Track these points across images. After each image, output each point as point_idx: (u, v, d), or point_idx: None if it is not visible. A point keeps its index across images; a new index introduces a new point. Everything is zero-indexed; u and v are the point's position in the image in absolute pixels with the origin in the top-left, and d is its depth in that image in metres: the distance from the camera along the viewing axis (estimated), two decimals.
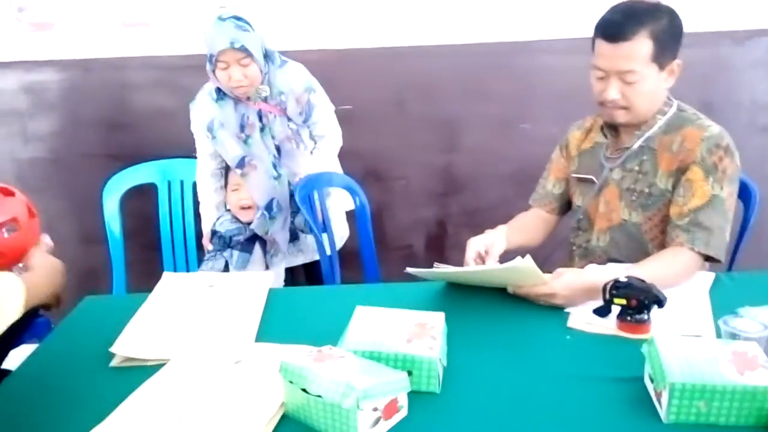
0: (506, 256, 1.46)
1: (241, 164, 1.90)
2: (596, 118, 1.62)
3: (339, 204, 2.06)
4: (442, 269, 1.39)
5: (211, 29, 1.78)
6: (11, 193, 1.13)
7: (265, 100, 1.90)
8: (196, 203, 2.08)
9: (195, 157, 2.03)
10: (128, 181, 2.10)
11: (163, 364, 1.12)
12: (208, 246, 1.96)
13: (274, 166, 1.90)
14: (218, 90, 1.90)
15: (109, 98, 2.41)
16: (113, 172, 2.11)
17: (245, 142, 1.92)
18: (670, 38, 1.40)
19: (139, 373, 1.11)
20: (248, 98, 1.89)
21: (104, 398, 1.04)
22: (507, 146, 2.39)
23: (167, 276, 1.49)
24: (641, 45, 1.38)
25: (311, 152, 1.99)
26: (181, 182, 2.14)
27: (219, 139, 1.91)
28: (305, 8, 2.28)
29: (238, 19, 1.78)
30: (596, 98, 1.48)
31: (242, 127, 1.91)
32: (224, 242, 1.92)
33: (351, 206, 2.03)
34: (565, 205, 1.69)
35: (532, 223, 1.67)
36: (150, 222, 2.15)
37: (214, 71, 1.82)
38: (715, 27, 2.25)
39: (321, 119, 1.98)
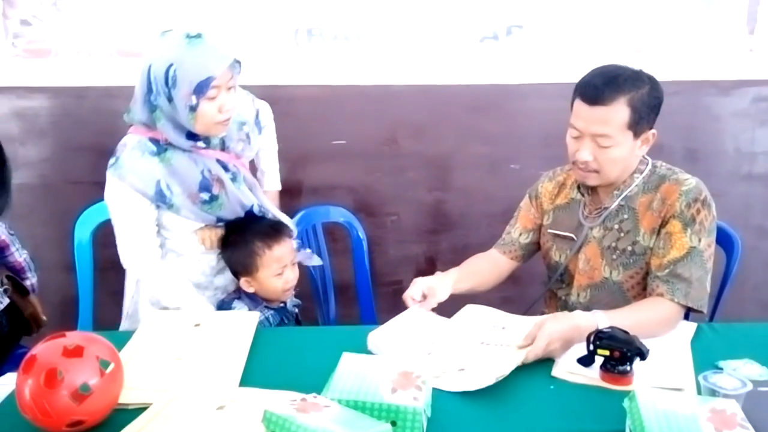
0: (458, 300, 1.49)
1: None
2: (569, 173, 1.62)
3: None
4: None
5: (193, 50, 1.41)
6: (78, 353, 1.05)
7: (222, 144, 1.57)
8: None
9: None
10: (103, 214, 1.93)
11: (144, 409, 1.11)
12: None
13: None
14: (154, 141, 1.50)
15: (101, 126, 2.40)
16: (100, 200, 2.09)
17: (208, 203, 1.54)
18: (647, 108, 1.41)
19: (118, 418, 1.09)
20: (206, 145, 1.53)
21: None
22: (496, 186, 2.42)
23: (151, 314, 1.48)
24: (618, 111, 1.39)
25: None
26: None
27: (178, 206, 1.51)
28: (302, 44, 2.32)
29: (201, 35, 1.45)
30: (570, 157, 1.49)
31: (205, 187, 1.53)
32: None
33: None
34: (529, 255, 1.69)
35: (486, 268, 1.66)
36: None
37: (195, 107, 1.44)
38: (699, 76, 2.31)
39: (271, 141, 1.78)
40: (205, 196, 1.53)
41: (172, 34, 1.45)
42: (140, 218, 1.52)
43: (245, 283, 1.60)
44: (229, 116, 1.49)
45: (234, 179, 1.58)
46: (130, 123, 1.57)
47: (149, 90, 1.46)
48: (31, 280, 1.90)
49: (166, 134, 1.49)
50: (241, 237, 1.58)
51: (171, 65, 1.41)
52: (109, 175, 1.50)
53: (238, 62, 1.48)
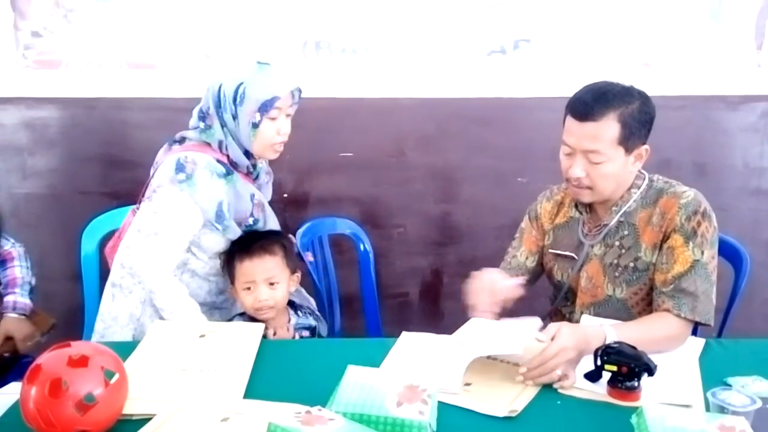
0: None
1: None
2: (566, 191, 1.61)
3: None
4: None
5: (262, 73, 1.55)
6: (83, 363, 1.05)
7: (257, 176, 1.67)
8: None
9: None
10: (109, 224, 1.96)
11: (148, 420, 1.10)
12: None
13: None
14: (221, 162, 1.57)
15: (110, 137, 2.43)
16: (107, 210, 2.10)
17: (249, 227, 1.62)
18: (638, 123, 1.41)
19: (123, 428, 1.09)
20: (250, 171, 1.63)
21: None
22: (503, 198, 2.41)
23: (157, 324, 1.48)
24: (608, 127, 1.39)
25: None
26: None
27: (230, 228, 1.58)
28: (309, 57, 2.33)
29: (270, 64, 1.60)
30: (563, 174, 1.49)
31: (251, 214, 1.61)
32: None
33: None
34: (536, 277, 1.67)
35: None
36: None
37: (258, 124, 1.53)
38: (708, 91, 2.31)
39: None
40: (251, 220, 1.61)
41: (244, 60, 1.61)
42: (186, 236, 1.56)
43: (232, 291, 1.62)
44: (284, 140, 1.59)
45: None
46: (197, 141, 1.59)
47: (218, 106, 1.56)
48: (16, 296, 1.77)
49: (232, 152, 1.57)
50: (233, 245, 1.61)
51: (241, 83, 1.53)
52: (178, 189, 1.53)
53: (299, 90, 1.59)
